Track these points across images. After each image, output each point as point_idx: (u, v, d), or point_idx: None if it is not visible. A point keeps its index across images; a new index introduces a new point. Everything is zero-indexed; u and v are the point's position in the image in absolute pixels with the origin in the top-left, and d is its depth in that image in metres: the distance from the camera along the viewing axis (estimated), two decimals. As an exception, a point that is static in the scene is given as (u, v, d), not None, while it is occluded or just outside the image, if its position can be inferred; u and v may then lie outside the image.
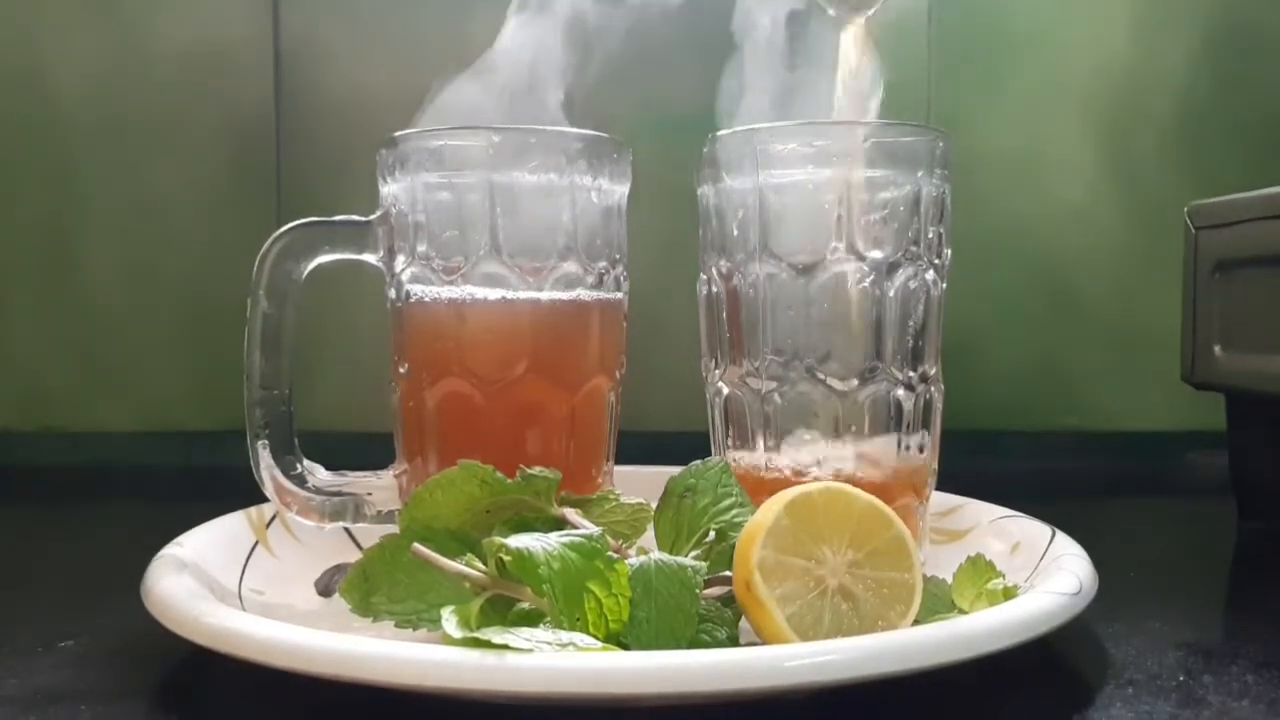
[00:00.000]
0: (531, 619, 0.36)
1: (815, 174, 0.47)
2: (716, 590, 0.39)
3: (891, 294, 0.47)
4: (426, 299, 0.48)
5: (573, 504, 0.43)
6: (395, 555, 0.39)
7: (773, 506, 0.38)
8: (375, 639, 0.33)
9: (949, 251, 0.50)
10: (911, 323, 0.48)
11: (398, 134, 0.48)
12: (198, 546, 0.46)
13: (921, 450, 0.49)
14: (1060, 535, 0.47)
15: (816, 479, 0.47)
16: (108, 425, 0.88)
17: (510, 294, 0.47)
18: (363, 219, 0.49)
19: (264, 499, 0.50)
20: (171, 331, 0.88)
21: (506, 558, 0.36)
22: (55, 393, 0.88)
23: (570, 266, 0.48)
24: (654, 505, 0.44)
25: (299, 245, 0.48)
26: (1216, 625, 0.49)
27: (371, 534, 0.44)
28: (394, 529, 0.41)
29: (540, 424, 0.48)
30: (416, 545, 0.37)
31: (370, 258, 0.49)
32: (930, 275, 0.48)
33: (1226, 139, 0.90)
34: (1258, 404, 0.64)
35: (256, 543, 0.51)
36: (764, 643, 0.36)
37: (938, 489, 0.52)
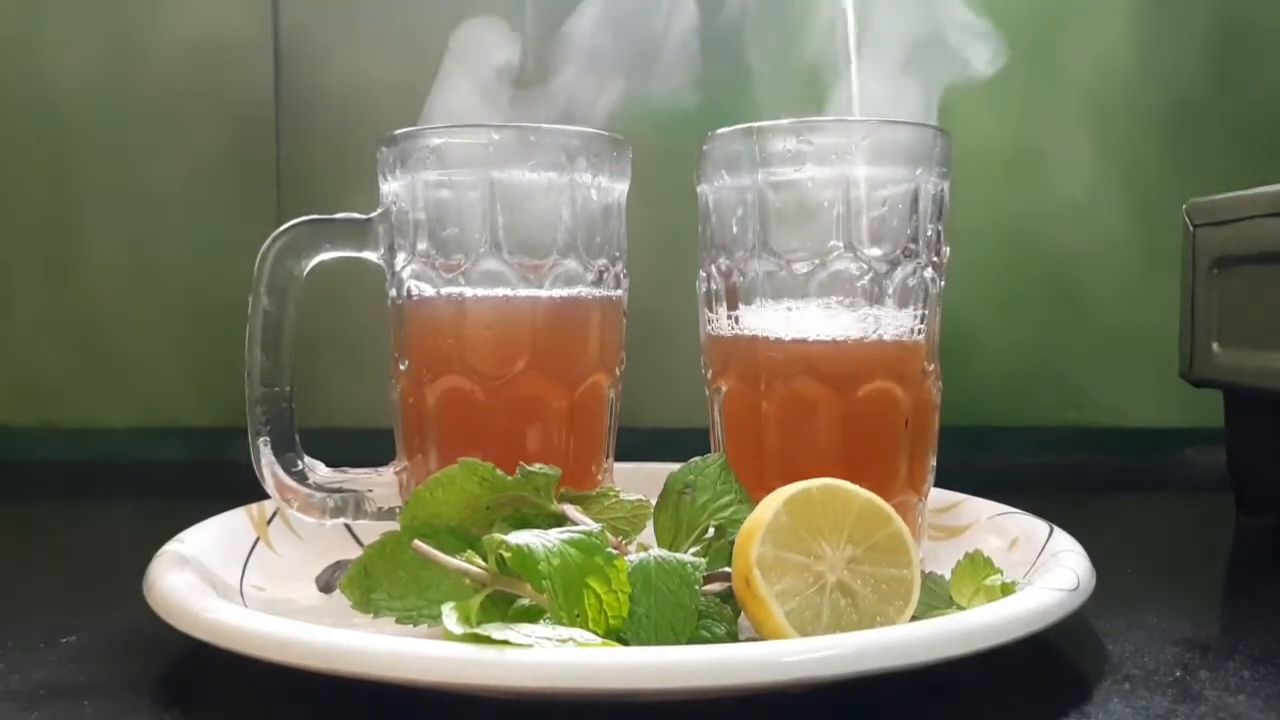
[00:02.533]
0: (531, 615, 0.36)
1: (814, 171, 0.47)
2: (716, 586, 0.40)
3: (891, 291, 0.47)
4: (427, 296, 0.48)
5: (573, 500, 0.43)
6: (396, 552, 0.40)
7: (772, 503, 0.38)
8: (376, 634, 0.33)
9: (948, 249, 0.50)
10: (909, 320, 0.48)
11: (398, 132, 0.48)
12: (199, 543, 0.46)
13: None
14: (1058, 531, 0.47)
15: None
16: (108, 421, 0.88)
17: (510, 291, 0.47)
18: (363, 216, 0.49)
19: (265, 495, 0.50)
20: (172, 328, 0.88)
21: (506, 554, 0.36)
22: (56, 388, 0.88)
23: (570, 264, 0.48)
24: (654, 502, 0.44)
25: (300, 243, 0.48)
26: (1214, 621, 0.50)
27: (372, 530, 0.44)
28: (394, 526, 0.41)
29: (540, 420, 0.48)
30: (417, 542, 0.38)
31: (371, 255, 0.50)
32: (929, 272, 0.49)
33: (1225, 136, 0.90)
34: (1256, 400, 0.64)
35: (257, 539, 0.51)
36: (763, 638, 0.37)
37: (936, 485, 0.52)
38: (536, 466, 0.42)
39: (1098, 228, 0.91)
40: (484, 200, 0.47)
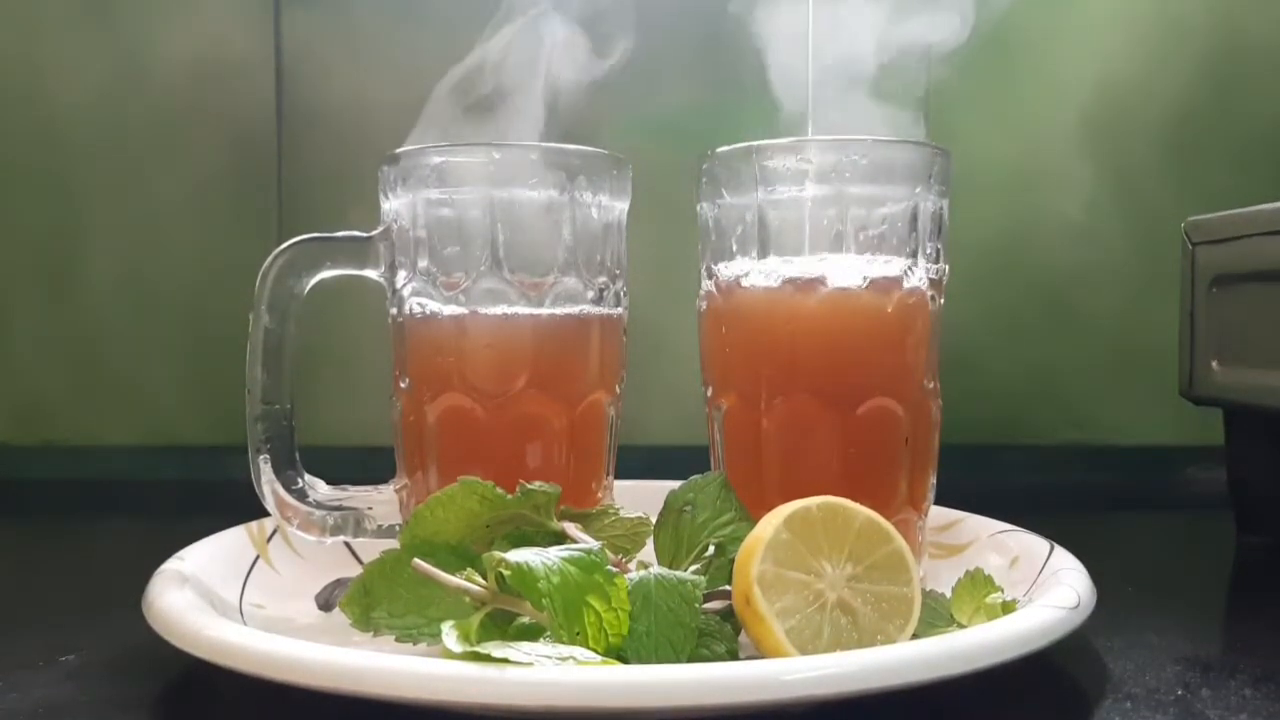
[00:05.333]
0: (531, 633, 0.36)
1: (814, 190, 0.47)
2: (716, 604, 0.40)
3: (890, 309, 0.47)
4: (427, 314, 0.48)
5: (573, 518, 0.43)
6: (396, 570, 0.40)
7: (772, 521, 0.38)
8: (375, 653, 0.33)
9: (947, 266, 0.50)
10: (910, 338, 0.48)
11: (399, 150, 0.48)
12: (199, 561, 0.46)
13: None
14: (1058, 549, 0.47)
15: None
16: (109, 439, 0.88)
17: (511, 309, 0.47)
18: (364, 235, 0.49)
19: (265, 513, 0.50)
20: (173, 346, 0.88)
21: (506, 572, 0.36)
22: (56, 407, 0.88)
23: (570, 282, 0.48)
24: (654, 519, 0.44)
25: (301, 261, 0.49)
26: (1215, 639, 0.49)
27: (372, 548, 0.44)
28: (394, 544, 0.41)
29: (540, 438, 0.48)
30: (417, 560, 0.38)
31: (372, 273, 0.50)
32: (928, 290, 0.49)
33: (1224, 154, 0.91)
34: (1255, 418, 0.64)
35: (257, 557, 0.51)
36: (763, 656, 0.37)
37: (936, 503, 0.52)
38: (536, 484, 0.42)
39: (1097, 246, 0.91)
40: (485, 218, 0.47)
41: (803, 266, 0.47)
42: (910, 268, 0.48)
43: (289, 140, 0.88)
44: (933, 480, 0.51)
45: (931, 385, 0.50)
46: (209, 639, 0.36)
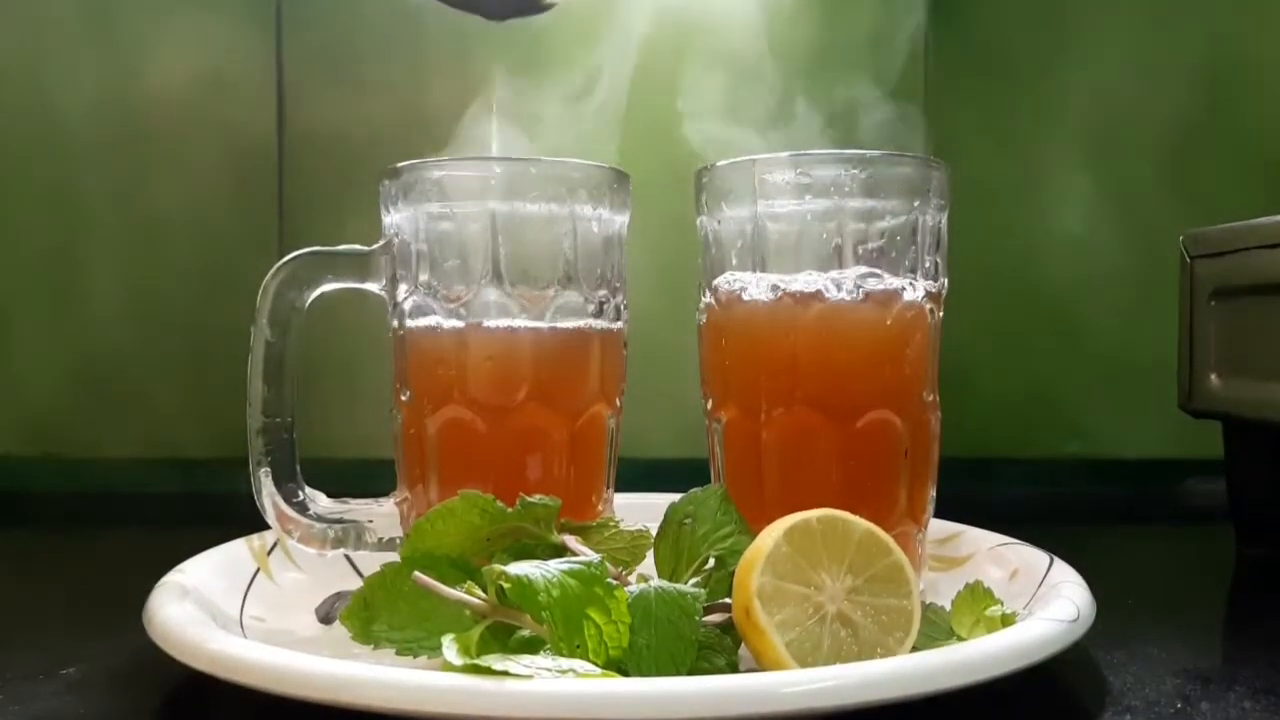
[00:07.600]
0: (531, 646, 0.36)
1: (813, 204, 0.47)
2: (716, 617, 0.40)
3: (889, 322, 0.48)
4: (428, 327, 0.48)
5: (573, 531, 0.43)
6: (396, 583, 0.40)
7: (772, 533, 0.38)
8: (376, 665, 0.33)
9: (946, 280, 0.50)
10: (909, 350, 0.48)
11: (400, 164, 0.49)
12: (199, 573, 0.46)
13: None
14: (1058, 562, 0.47)
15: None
16: (110, 452, 0.88)
17: (511, 322, 0.48)
18: (365, 248, 0.50)
19: (266, 526, 0.50)
20: (174, 359, 0.88)
21: (506, 585, 0.36)
22: (58, 419, 0.88)
23: (571, 295, 0.48)
24: (654, 532, 0.44)
25: (302, 274, 0.49)
26: (1214, 652, 0.49)
27: (372, 561, 0.44)
28: (395, 557, 0.42)
29: (541, 451, 0.49)
30: (417, 573, 0.38)
31: (373, 286, 0.50)
32: (928, 304, 0.49)
33: (1222, 168, 0.91)
34: (1255, 431, 0.64)
35: (258, 570, 0.51)
36: (763, 669, 0.37)
37: (936, 516, 0.52)
38: (536, 497, 0.42)
39: (1096, 259, 0.91)
40: (485, 232, 0.47)
41: (802, 280, 0.47)
42: (909, 281, 0.48)
43: (290, 154, 0.88)
44: (932, 493, 0.51)
45: (931, 398, 0.50)
46: (209, 652, 0.36)
